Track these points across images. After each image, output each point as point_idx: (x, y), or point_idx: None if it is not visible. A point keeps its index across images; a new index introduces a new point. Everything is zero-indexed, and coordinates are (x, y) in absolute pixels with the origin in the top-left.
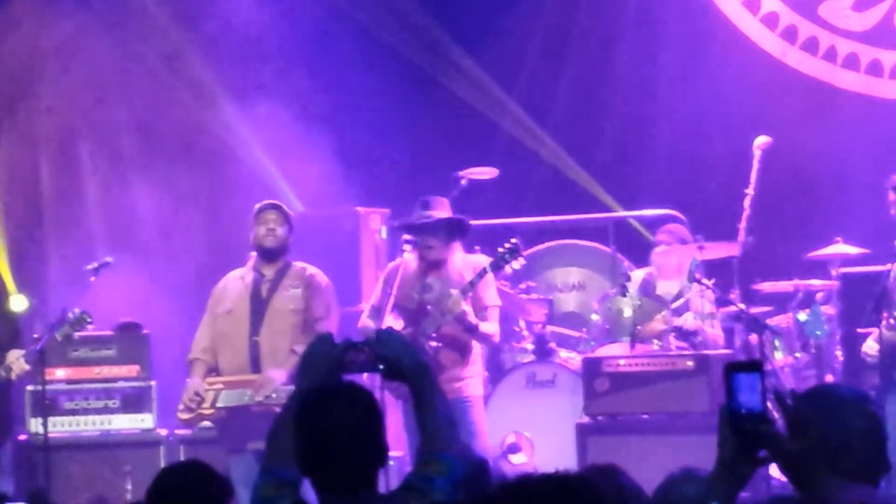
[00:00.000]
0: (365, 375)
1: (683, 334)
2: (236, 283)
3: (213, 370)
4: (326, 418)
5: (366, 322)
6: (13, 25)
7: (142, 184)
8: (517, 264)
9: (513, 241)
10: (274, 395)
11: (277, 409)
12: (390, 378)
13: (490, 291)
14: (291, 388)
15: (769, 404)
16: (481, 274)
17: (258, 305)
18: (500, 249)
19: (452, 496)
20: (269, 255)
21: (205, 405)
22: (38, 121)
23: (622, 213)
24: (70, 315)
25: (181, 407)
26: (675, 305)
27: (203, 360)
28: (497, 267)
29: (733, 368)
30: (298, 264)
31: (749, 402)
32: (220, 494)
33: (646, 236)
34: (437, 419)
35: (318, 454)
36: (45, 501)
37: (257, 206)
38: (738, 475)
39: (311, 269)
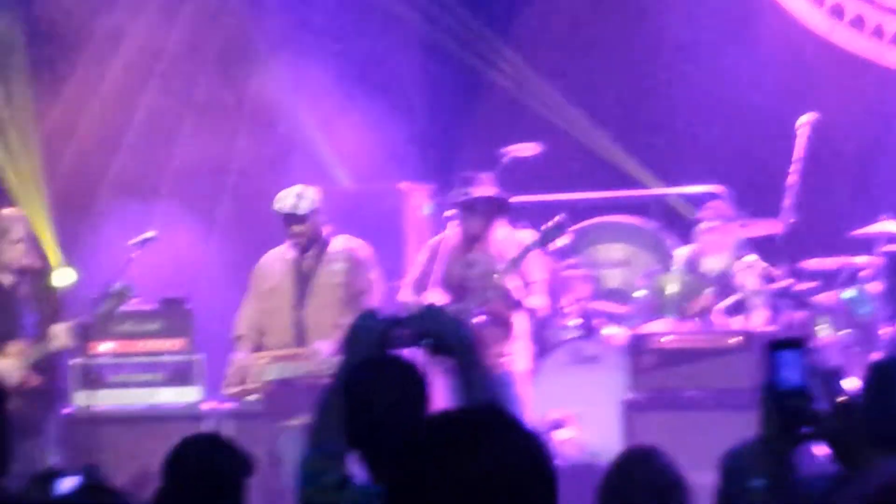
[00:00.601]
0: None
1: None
2: (278, 260)
3: (259, 346)
4: (373, 392)
5: (407, 298)
6: None
7: (187, 157)
8: (562, 241)
9: (558, 217)
10: (324, 367)
11: (325, 382)
12: (435, 354)
13: (535, 266)
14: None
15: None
16: (526, 250)
17: (302, 281)
18: (545, 226)
19: None
20: (304, 250)
21: (253, 379)
22: (81, 92)
23: (666, 190)
24: (112, 289)
25: (228, 382)
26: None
27: (249, 337)
28: (542, 243)
29: (776, 345)
30: (340, 238)
31: (791, 379)
32: (238, 468)
33: (687, 214)
34: (483, 396)
35: (365, 428)
36: (99, 476)
37: (276, 207)
38: (780, 452)
39: (353, 242)
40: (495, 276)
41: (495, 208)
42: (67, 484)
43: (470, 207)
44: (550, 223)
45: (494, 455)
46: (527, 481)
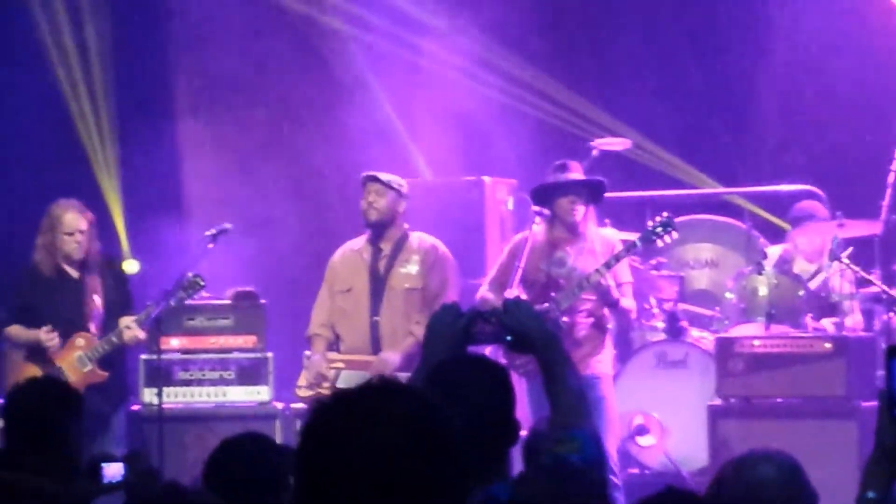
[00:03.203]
0: (489, 349)
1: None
2: (354, 257)
3: (332, 344)
4: (457, 391)
5: (486, 295)
6: None
7: (264, 147)
8: (669, 239)
9: (665, 214)
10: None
11: None
12: (518, 350)
13: (624, 267)
14: (407, 375)
15: None
16: (629, 248)
17: (377, 283)
18: (651, 223)
19: None
20: (373, 228)
21: (325, 384)
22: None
23: (759, 189)
24: (184, 280)
25: (303, 384)
26: (813, 285)
27: (323, 336)
28: (647, 241)
29: (893, 353)
30: (416, 235)
31: None
32: (281, 467)
33: (779, 213)
34: (569, 394)
35: None
36: (143, 463)
37: (362, 174)
38: None
39: (429, 241)
40: (595, 274)
41: (591, 196)
42: (112, 470)
43: (572, 191)
44: (657, 219)
45: (400, 422)
46: (432, 449)
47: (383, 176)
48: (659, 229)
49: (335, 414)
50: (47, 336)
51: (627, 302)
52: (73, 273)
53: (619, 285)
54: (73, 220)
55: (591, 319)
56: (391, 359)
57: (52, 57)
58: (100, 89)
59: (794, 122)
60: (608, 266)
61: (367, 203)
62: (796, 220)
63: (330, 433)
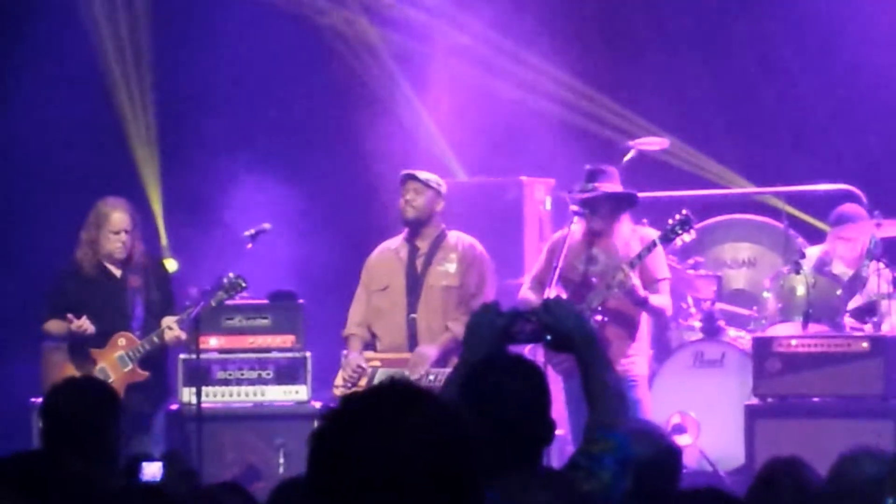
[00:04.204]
0: (528, 348)
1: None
2: (390, 256)
3: (369, 344)
4: (493, 391)
5: (527, 294)
6: None
7: (302, 148)
8: (687, 237)
9: (683, 212)
10: (431, 377)
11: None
12: (557, 349)
13: (660, 263)
14: (445, 370)
15: None
16: (650, 247)
17: (413, 281)
18: (671, 221)
19: (621, 476)
20: (410, 226)
21: (362, 383)
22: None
23: (796, 188)
24: (225, 280)
25: (340, 382)
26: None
27: (359, 336)
28: (666, 239)
29: None
30: (454, 234)
31: None
32: None
33: (817, 225)
34: (606, 393)
35: (483, 428)
36: (181, 463)
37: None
38: None
39: (466, 240)
40: (620, 273)
41: (621, 205)
42: (151, 470)
43: (593, 205)
44: (676, 218)
45: (414, 430)
46: (447, 456)
47: (422, 174)
48: (678, 228)
49: (344, 420)
50: (77, 325)
51: (660, 299)
52: (116, 272)
53: (656, 281)
54: (120, 219)
55: (623, 318)
56: (429, 353)
57: (98, 53)
58: (143, 88)
59: (832, 121)
60: (632, 265)
61: (404, 201)
62: (837, 224)
63: (338, 440)
